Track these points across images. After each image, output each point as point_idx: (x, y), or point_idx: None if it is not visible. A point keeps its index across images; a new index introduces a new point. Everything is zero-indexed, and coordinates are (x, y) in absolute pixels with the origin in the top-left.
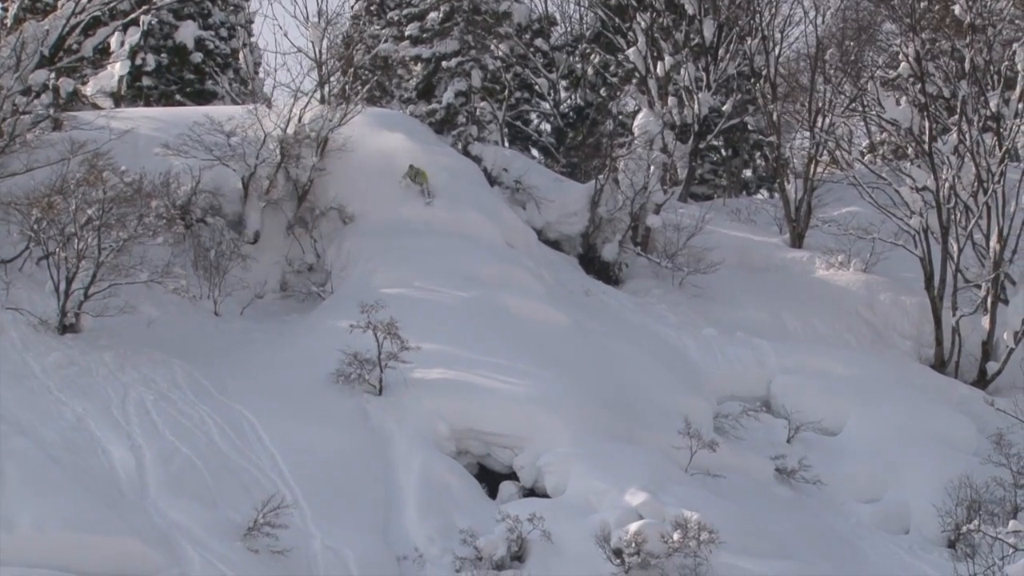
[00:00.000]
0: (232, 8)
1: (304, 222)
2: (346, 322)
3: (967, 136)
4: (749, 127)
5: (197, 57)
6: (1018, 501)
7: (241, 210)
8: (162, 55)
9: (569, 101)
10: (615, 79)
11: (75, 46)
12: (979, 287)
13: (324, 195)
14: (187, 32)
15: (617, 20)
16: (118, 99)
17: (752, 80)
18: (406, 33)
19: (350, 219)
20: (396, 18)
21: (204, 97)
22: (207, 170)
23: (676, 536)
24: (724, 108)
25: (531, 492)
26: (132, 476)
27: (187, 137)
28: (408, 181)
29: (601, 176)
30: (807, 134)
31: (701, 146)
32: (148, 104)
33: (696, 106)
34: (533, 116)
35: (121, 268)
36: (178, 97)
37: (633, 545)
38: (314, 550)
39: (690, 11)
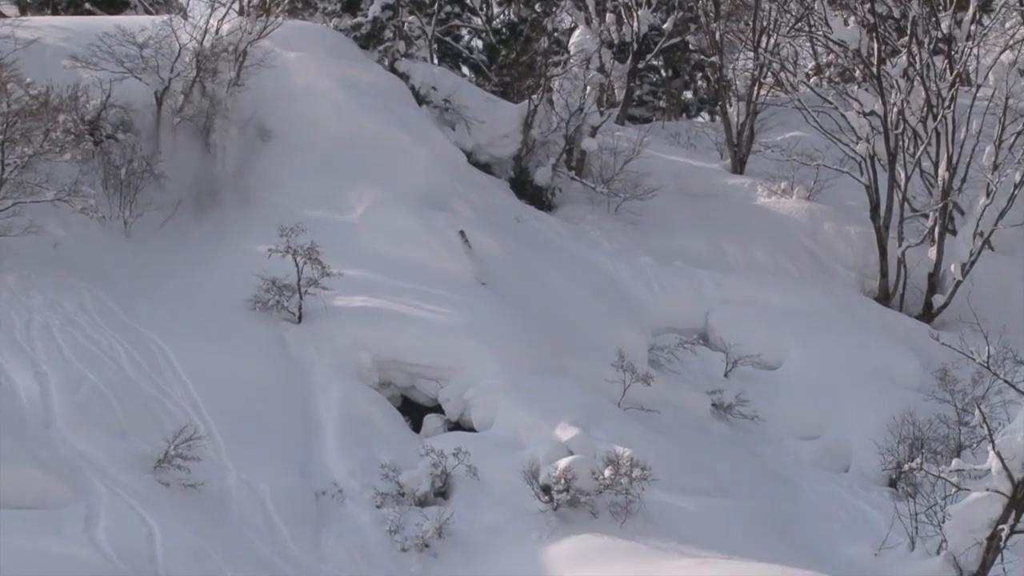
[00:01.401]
0: None
1: (220, 140)
2: (264, 246)
3: (917, 59)
4: (690, 47)
5: None
6: (962, 439)
7: (154, 126)
8: None
9: (502, 17)
10: None
11: None
12: (926, 217)
13: (242, 112)
14: None
15: None
16: (23, 7)
17: None
18: None
19: (269, 137)
20: None
21: (115, 6)
22: (118, 84)
23: (608, 473)
24: (664, 26)
25: (457, 426)
26: (36, 404)
27: (97, 48)
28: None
29: (535, 96)
30: (750, 55)
31: (640, 66)
32: (56, 13)
33: (635, 23)
34: (464, 32)
35: (26, 186)
36: (88, 6)
37: (562, 482)
38: (228, 484)
39: None
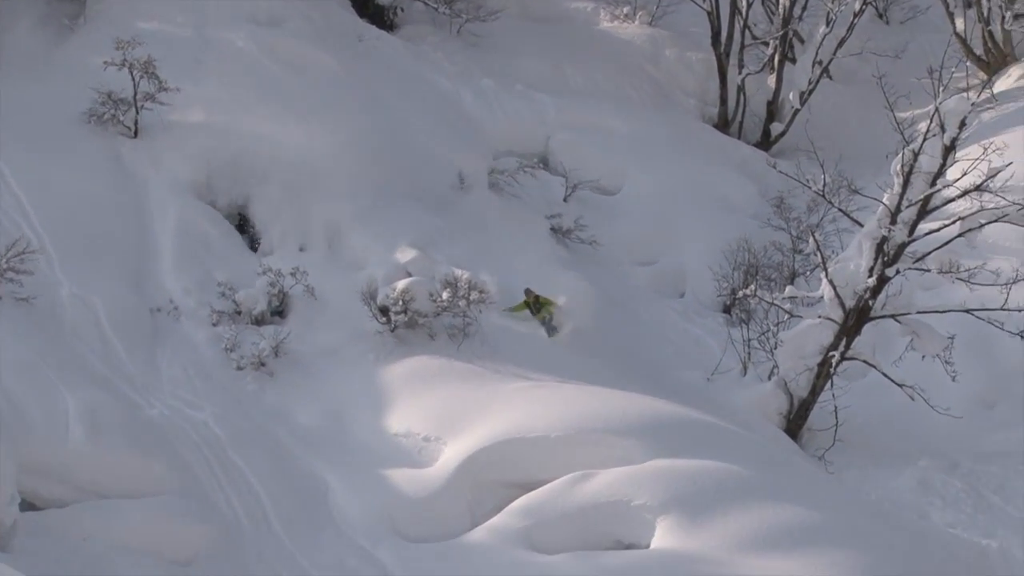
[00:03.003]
0: None
1: None
2: (100, 58)
3: None
4: None
5: None
6: (796, 267)
7: None
8: None
9: None
10: None
11: None
12: (767, 45)
13: None
14: None
15: None
16: None
17: None
18: None
19: None
20: None
21: None
22: None
23: (445, 295)
24: None
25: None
26: None
27: None
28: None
29: None
30: None
31: None
32: None
33: None
34: None
35: None
36: None
37: (400, 303)
38: (61, 298)
39: None
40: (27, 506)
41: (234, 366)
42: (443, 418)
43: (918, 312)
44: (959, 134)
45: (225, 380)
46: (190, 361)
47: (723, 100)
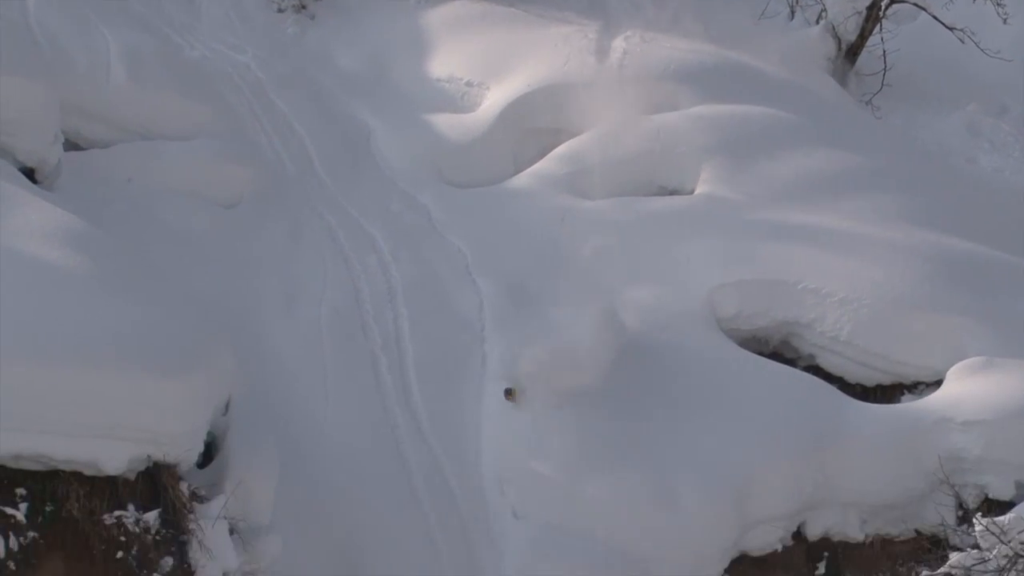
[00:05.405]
0: None
1: None
2: None
3: None
4: None
5: None
6: None
7: None
8: None
9: None
10: None
11: None
12: None
13: None
14: None
15: None
16: None
17: None
18: None
19: None
20: None
21: None
22: None
23: None
24: None
25: None
26: None
27: None
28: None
29: None
30: None
31: None
32: None
33: None
34: None
35: None
36: None
37: None
38: None
39: None
40: (70, 146)
41: (275, 8)
42: (486, 63)
43: None
44: None
45: (265, 22)
46: (231, 3)
47: None
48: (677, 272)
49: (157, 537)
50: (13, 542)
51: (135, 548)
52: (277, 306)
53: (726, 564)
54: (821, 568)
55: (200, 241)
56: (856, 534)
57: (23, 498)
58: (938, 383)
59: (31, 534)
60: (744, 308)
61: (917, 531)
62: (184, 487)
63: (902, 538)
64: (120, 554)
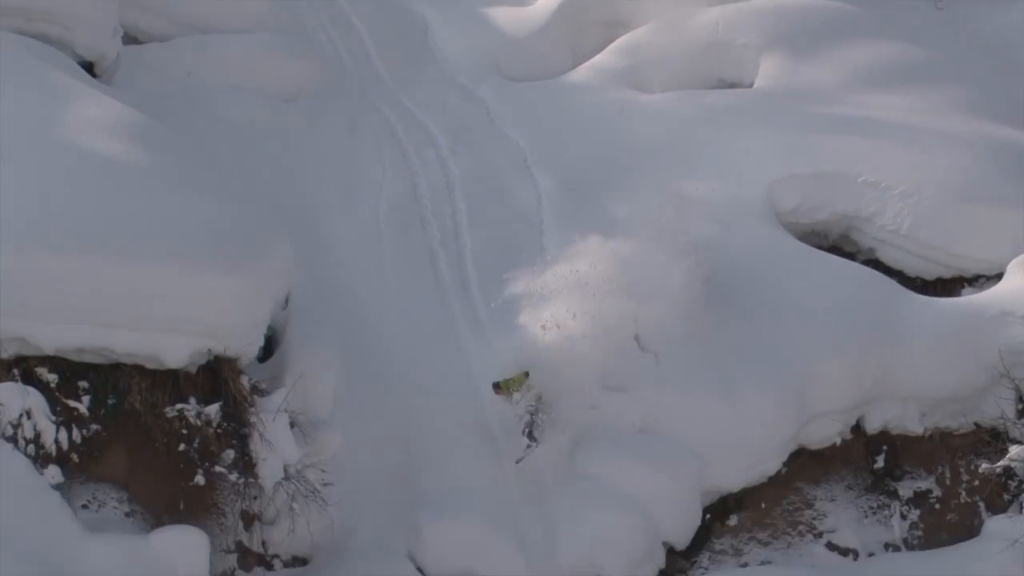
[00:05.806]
0: None
1: None
2: None
3: None
4: None
5: None
6: None
7: None
8: None
9: None
10: None
11: None
12: None
13: None
14: None
15: None
16: None
17: None
18: None
19: None
20: None
21: None
22: None
23: None
24: None
25: None
26: None
27: None
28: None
29: None
30: None
31: None
32: None
33: None
34: None
35: None
36: None
37: None
38: None
39: None
40: (129, 40)
41: None
42: None
43: None
44: None
45: None
46: None
47: None
48: (736, 166)
49: (218, 430)
50: (76, 434)
51: (196, 440)
52: (336, 201)
53: (785, 457)
54: (880, 461)
55: (259, 135)
56: (915, 427)
57: (86, 391)
58: (999, 276)
59: (94, 426)
60: (803, 202)
61: (977, 424)
62: (245, 380)
63: (961, 431)
64: (182, 446)
